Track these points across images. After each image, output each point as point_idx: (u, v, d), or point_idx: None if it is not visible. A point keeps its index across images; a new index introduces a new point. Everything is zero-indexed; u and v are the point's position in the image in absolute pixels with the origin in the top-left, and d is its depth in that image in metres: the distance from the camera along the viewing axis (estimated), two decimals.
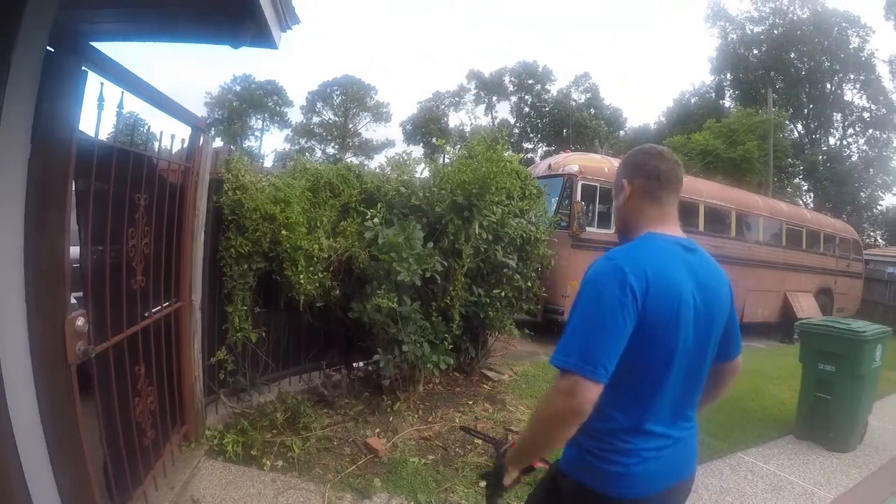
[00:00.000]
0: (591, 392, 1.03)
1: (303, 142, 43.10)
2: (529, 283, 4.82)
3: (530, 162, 13.48)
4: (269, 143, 46.84)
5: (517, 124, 41.00)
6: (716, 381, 1.35)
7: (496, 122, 40.82)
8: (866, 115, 28.56)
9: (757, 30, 30.88)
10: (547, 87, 41.41)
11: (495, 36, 71.05)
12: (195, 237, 2.92)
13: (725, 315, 1.28)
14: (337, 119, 44.65)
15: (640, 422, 1.16)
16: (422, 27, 74.27)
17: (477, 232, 4.04)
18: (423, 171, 4.63)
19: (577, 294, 1.16)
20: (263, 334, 3.61)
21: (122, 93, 2.04)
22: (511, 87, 42.08)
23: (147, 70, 2.63)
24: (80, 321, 1.66)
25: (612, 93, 70.31)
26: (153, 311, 2.42)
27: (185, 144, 2.83)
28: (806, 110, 29.86)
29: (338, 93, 44.21)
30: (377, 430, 3.47)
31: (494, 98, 42.67)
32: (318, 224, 3.69)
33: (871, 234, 27.52)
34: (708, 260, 1.29)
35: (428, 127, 39.55)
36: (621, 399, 1.14)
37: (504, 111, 42.70)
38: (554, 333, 3.40)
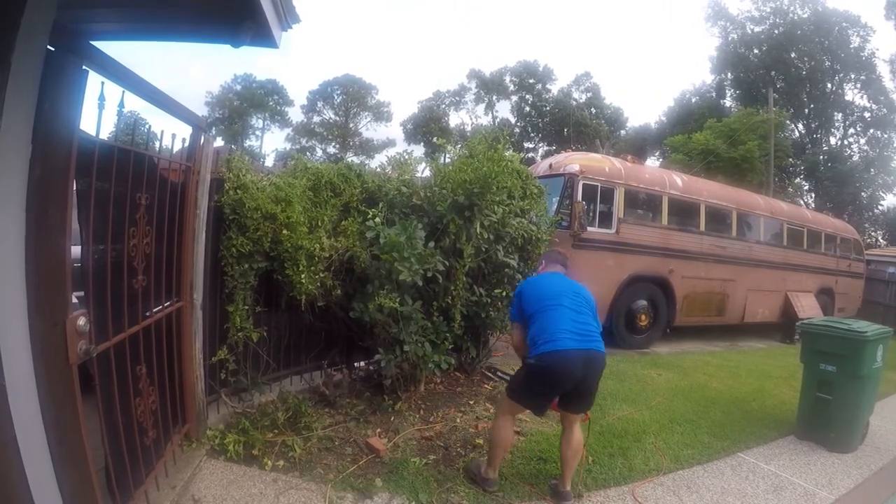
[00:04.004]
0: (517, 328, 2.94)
1: (304, 141, 43.14)
2: None
3: (531, 161, 13.46)
4: (270, 143, 46.79)
5: (518, 124, 40.99)
6: None
7: (497, 122, 40.82)
8: (867, 114, 28.54)
9: (757, 29, 30.86)
10: (548, 86, 41.47)
11: (495, 35, 71.08)
12: (196, 237, 2.91)
13: (587, 296, 2.87)
14: (338, 118, 44.66)
15: (551, 328, 2.64)
16: (422, 26, 74.31)
17: (478, 231, 4.04)
18: (424, 171, 4.62)
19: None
20: (264, 334, 3.61)
21: (123, 92, 2.03)
22: (512, 87, 42.08)
23: (148, 69, 2.62)
24: (82, 321, 1.66)
25: (613, 92, 70.41)
26: (154, 310, 2.42)
27: (186, 144, 2.83)
28: (807, 110, 29.84)
29: (338, 92, 44.22)
30: (378, 429, 3.47)
31: (495, 97, 42.69)
32: (320, 223, 3.69)
33: (873, 234, 27.49)
34: (570, 279, 3.02)
35: (429, 126, 39.57)
36: (535, 325, 2.73)
37: (505, 110, 42.78)
38: None
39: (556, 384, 2.65)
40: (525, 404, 2.82)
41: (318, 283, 3.61)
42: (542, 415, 2.94)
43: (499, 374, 4.84)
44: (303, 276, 3.45)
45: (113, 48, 2.00)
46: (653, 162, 29.99)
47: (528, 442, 3.49)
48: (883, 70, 27.46)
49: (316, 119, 44.41)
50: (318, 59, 78.29)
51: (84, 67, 1.70)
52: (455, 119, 43.17)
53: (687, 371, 6.11)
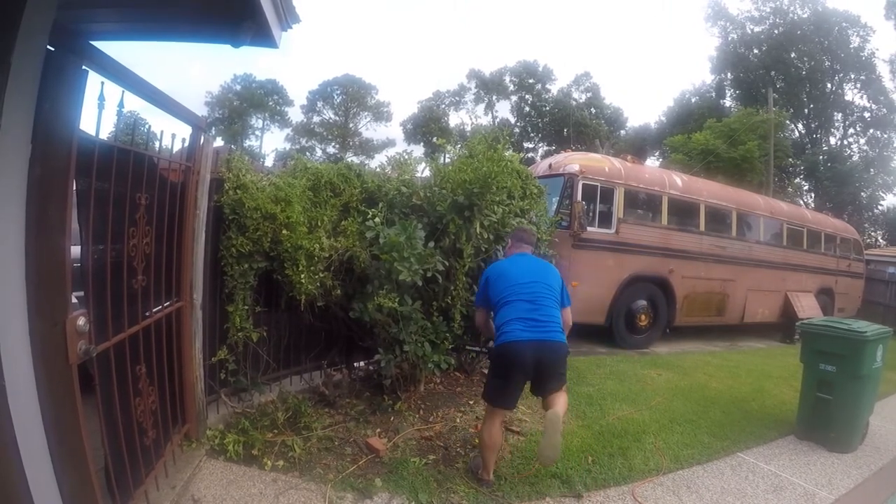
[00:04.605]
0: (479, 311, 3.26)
1: (303, 141, 43.11)
2: None
3: (531, 161, 13.46)
4: (270, 143, 46.75)
5: (518, 124, 40.98)
6: (562, 319, 2.98)
7: (497, 122, 40.81)
8: (867, 114, 28.55)
9: (757, 29, 30.87)
10: (547, 86, 41.48)
11: (495, 35, 71.10)
12: (196, 237, 2.91)
13: (550, 279, 3.01)
14: (337, 118, 44.65)
15: (506, 320, 2.84)
16: (422, 26, 74.32)
17: (478, 231, 4.04)
18: (423, 171, 4.62)
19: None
20: (264, 334, 3.60)
21: (123, 92, 2.03)
22: (511, 87, 42.08)
23: (148, 69, 2.62)
24: (82, 321, 1.66)
25: (613, 92, 70.44)
26: (154, 310, 2.42)
27: (186, 144, 2.83)
28: (806, 110, 29.84)
29: (338, 92, 44.21)
30: (378, 429, 3.47)
31: (495, 97, 42.69)
32: (319, 223, 3.69)
33: (872, 234, 27.50)
34: (536, 259, 3.25)
35: (428, 126, 39.57)
36: (497, 315, 2.93)
37: (504, 110, 42.78)
38: None
39: (513, 372, 2.81)
40: (496, 401, 2.87)
41: (318, 283, 3.61)
42: (511, 407, 3.02)
43: None
44: (302, 276, 3.45)
45: (113, 48, 2.00)
46: (653, 162, 30.00)
47: (528, 442, 3.49)
48: (883, 70, 27.53)
49: (316, 119, 44.42)
50: (318, 59, 78.38)
51: (84, 67, 1.70)
52: (455, 119, 43.23)
53: (687, 371, 6.11)
